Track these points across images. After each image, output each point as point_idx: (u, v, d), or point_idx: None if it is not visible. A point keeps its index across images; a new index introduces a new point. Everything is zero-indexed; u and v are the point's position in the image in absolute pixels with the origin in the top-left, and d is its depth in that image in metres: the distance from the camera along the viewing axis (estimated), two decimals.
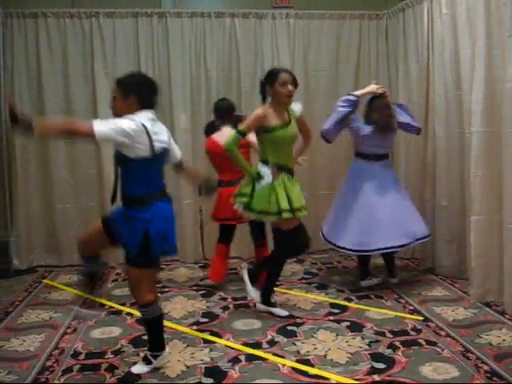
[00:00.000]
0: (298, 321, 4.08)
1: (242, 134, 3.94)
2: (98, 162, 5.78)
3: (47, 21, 5.64)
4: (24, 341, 3.79)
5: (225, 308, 4.43)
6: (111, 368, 3.35)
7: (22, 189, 5.69)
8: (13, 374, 3.28)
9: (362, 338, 3.71)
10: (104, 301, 4.61)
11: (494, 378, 3.08)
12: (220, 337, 3.81)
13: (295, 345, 3.64)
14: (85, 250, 3.33)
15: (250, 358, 3.45)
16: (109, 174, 5.68)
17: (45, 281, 5.31)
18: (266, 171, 3.95)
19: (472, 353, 3.42)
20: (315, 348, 3.58)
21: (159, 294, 4.77)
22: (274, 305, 4.27)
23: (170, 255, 3.32)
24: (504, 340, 3.60)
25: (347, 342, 3.67)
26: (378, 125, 4.66)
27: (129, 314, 4.32)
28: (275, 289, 4.45)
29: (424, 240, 4.73)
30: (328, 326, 3.96)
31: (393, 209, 4.60)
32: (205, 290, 4.89)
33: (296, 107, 4.13)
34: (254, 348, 3.59)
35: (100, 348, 3.65)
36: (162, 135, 3.12)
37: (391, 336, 3.74)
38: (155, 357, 3.28)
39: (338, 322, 4.05)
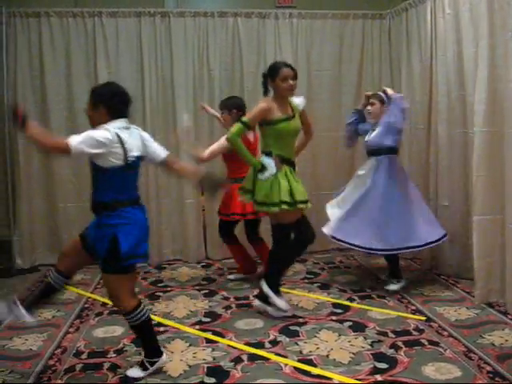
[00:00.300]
0: (301, 320, 4.07)
1: (247, 125, 3.98)
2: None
3: (50, 20, 5.65)
4: (26, 340, 3.80)
5: (227, 307, 4.43)
6: (114, 367, 3.35)
7: (25, 188, 5.70)
8: (15, 373, 3.29)
9: (365, 338, 3.71)
10: (106, 300, 4.62)
11: (497, 379, 3.07)
12: (222, 336, 3.81)
13: (298, 345, 3.64)
14: (60, 264, 3.31)
15: (253, 357, 3.45)
16: None
17: (47, 280, 5.29)
18: (269, 162, 3.97)
19: (474, 353, 3.42)
20: (318, 348, 3.58)
21: (161, 294, 4.79)
22: (280, 294, 4.24)
23: (140, 261, 3.23)
24: (506, 340, 3.59)
25: (350, 341, 3.67)
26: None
27: None
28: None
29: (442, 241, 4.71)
30: (330, 326, 3.96)
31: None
32: (207, 290, 4.89)
33: (299, 101, 4.16)
34: (256, 348, 3.59)
35: (102, 347, 3.66)
36: (135, 142, 3.13)
37: (394, 336, 3.74)
38: (152, 363, 3.22)
39: (341, 321, 4.05)
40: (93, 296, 4.78)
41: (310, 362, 3.36)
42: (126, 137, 3.05)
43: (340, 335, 3.78)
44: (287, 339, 3.73)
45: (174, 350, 3.59)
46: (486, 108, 4.20)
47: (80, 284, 5.15)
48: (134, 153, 3.08)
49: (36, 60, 5.67)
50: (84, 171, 5.74)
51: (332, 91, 6.07)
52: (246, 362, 3.38)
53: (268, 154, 4.02)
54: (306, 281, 5.13)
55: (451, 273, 5.02)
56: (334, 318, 4.14)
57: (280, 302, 4.14)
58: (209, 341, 3.74)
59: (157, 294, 4.83)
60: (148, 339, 3.25)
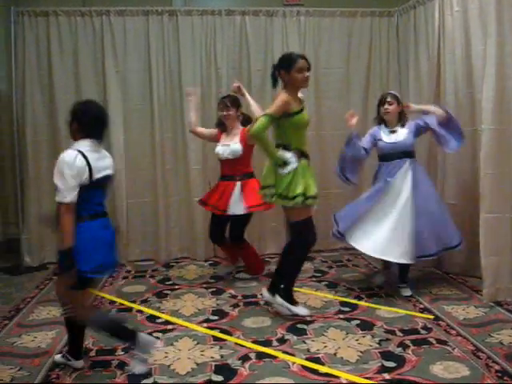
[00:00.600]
0: (308, 319, 4.07)
1: (272, 118, 3.83)
2: None
3: (58, 19, 5.67)
4: (35, 337, 3.82)
5: (235, 306, 4.43)
6: (122, 365, 3.36)
7: (34, 187, 5.72)
8: (24, 370, 3.31)
9: (372, 337, 3.70)
10: (114, 298, 4.64)
11: (505, 378, 3.06)
12: (230, 334, 3.81)
13: (305, 343, 3.64)
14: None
15: (260, 355, 3.45)
16: (119, 171, 5.72)
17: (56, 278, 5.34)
18: (290, 156, 3.90)
19: (483, 352, 3.41)
20: (325, 346, 3.58)
21: (169, 292, 4.80)
22: (295, 302, 4.18)
23: (97, 275, 3.25)
24: None
25: (357, 340, 3.66)
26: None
27: (139, 311, 4.33)
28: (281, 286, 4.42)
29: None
30: (338, 325, 3.95)
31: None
32: (215, 288, 4.90)
33: (301, 94, 4.14)
34: (263, 346, 3.59)
35: (110, 345, 3.66)
36: (103, 162, 3.20)
37: (401, 335, 3.73)
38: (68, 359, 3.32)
39: (348, 320, 4.04)
40: (101, 294, 4.80)
41: (317, 361, 3.36)
42: (94, 158, 3.11)
43: (348, 333, 3.78)
44: (295, 337, 3.73)
45: (181, 348, 3.59)
46: (493, 106, 4.19)
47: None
48: (102, 172, 3.16)
49: (44, 59, 5.69)
50: None
51: (340, 89, 6.06)
52: (253, 360, 3.39)
53: (286, 147, 3.93)
54: (314, 279, 5.13)
55: (459, 271, 5.01)
56: (341, 316, 4.14)
57: (299, 310, 4.10)
58: (216, 339, 3.74)
59: (164, 292, 4.84)
60: (119, 332, 3.28)
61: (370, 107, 6.03)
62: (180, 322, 4.07)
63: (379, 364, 3.29)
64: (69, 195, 3.02)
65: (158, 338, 3.76)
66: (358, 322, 4.00)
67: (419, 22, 5.52)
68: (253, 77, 5.88)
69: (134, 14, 5.76)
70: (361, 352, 3.47)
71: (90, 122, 3.17)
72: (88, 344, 3.68)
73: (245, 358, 3.41)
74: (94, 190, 3.14)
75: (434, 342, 3.59)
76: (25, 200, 5.71)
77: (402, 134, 4.55)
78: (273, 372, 3.22)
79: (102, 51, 5.71)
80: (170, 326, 3.99)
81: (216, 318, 4.17)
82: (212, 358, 3.44)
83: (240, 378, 3.17)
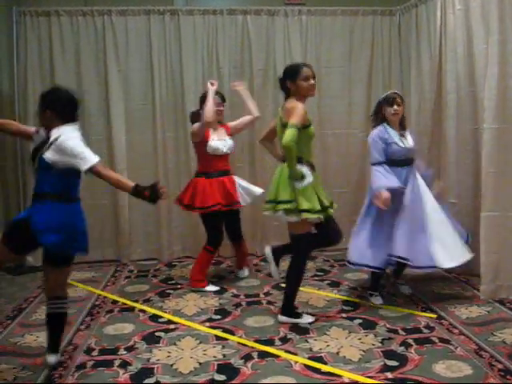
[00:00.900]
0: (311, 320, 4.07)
1: (298, 129, 3.70)
2: (110, 159, 5.80)
3: (60, 19, 5.67)
4: (38, 337, 3.82)
5: (237, 305, 4.43)
6: (124, 364, 3.36)
7: None
8: (27, 370, 3.31)
9: (375, 336, 3.70)
10: (117, 297, 4.65)
11: (508, 377, 3.06)
12: (232, 334, 3.82)
13: (308, 342, 3.64)
14: None
15: (263, 355, 3.45)
16: (122, 171, 5.73)
17: None
18: (306, 170, 3.82)
19: (485, 351, 3.40)
20: (328, 345, 3.58)
21: (172, 291, 4.81)
22: (299, 315, 4.09)
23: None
24: None
25: (360, 339, 3.66)
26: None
27: (141, 310, 4.34)
28: (283, 285, 4.40)
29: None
30: (340, 324, 3.95)
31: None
32: (217, 287, 4.89)
33: None
34: (266, 345, 3.59)
35: (113, 344, 3.67)
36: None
37: (404, 334, 3.73)
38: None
39: (351, 319, 4.04)
40: (103, 293, 4.80)
41: (320, 360, 3.36)
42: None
43: (350, 333, 3.78)
44: (297, 336, 3.73)
45: (184, 347, 3.60)
46: (496, 105, 4.19)
47: (90, 281, 5.18)
48: None
49: (46, 59, 5.70)
50: None
51: (342, 88, 6.06)
52: (256, 360, 3.39)
53: (298, 160, 3.78)
54: (316, 278, 5.13)
55: (461, 270, 4.98)
56: (344, 315, 4.14)
57: (304, 321, 4.02)
58: (219, 338, 3.75)
59: (167, 291, 4.85)
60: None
61: (372, 106, 6.01)
62: (182, 321, 4.08)
63: (382, 363, 3.29)
64: (93, 156, 3.16)
65: (160, 337, 3.77)
66: (361, 320, 4.00)
67: (421, 20, 5.51)
68: (255, 76, 5.88)
69: (136, 14, 5.76)
70: (363, 351, 3.47)
71: (64, 107, 3.22)
72: (91, 343, 3.69)
73: (247, 358, 3.42)
74: (79, 173, 3.25)
75: (437, 340, 3.59)
76: (27, 200, 5.70)
77: (410, 139, 4.38)
78: (275, 371, 3.22)
79: (104, 51, 5.72)
80: (172, 326, 4.00)
81: (218, 317, 4.17)
82: (214, 357, 3.44)
83: (242, 377, 3.17)
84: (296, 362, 3.33)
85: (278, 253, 4.21)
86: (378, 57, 6.08)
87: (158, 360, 3.41)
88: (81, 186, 3.42)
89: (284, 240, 5.59)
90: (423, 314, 4.10)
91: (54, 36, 5.67)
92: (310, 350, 3.52)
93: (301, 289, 4.62)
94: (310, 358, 3.38)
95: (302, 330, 3.84)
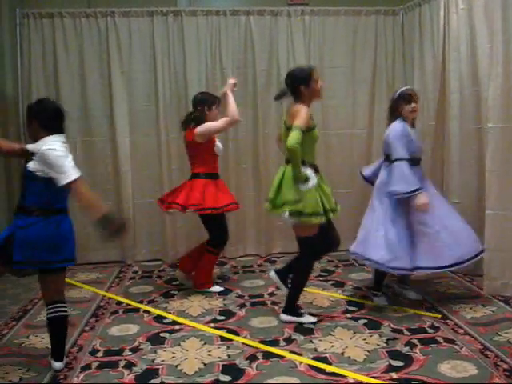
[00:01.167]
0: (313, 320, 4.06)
1: (302, 132, 3.71)
2: (114, 160, 5.82)
3: (63, 21, 5.68)
4: (43, 338, 3.82)
5: (242, 306, 4.43)
6: (129, 365, 3.37)
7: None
8: (32, 371, 3.32)
9: (380, 336, 3.70)
10: (121, 298, 4.66)
11: None
12: (237, 334, 3.82)
13: (312, 342, 3.64)
14: None
15: (267, 355, 3.45)
16: (125, 172, 5.74)
17: None
18: (310, 172, 3.82)
19: (491, 351, 3.40)
20: (332, 346, 3.57)
21: (176, 292, 4.81)
22: (301, 314, 4.10)
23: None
24: None
25: (364, 339, 3.66)
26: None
27: (146, 311, 4.34)
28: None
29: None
30: (345, 324, 3.95)
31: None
32: (222, 288, 4.89)
33: None
34: (271, 346, 3.59)
35: (118, 345, 3.68)
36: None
37: (409, 334, 3.72)
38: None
39: (356, 319, 4.04)
40: (108, 294, 4.81)
41: (324, 360, 3.36)
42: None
43: (355, 333, 3.78)
44: (302, 337, 3.73)
45: (188, 348, 3.60)
46: (501, 104, 4.18)
47: (95, 283, 5.19)
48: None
49: (50, 60, 5.71)
50: (99, 171, 5.84)
51: (346, 88, 6.05)
52: (260, 360, 3.39)
53: (302, 162, 3.78)
54: (321, 278, 5.13)
55: (466, 270, 4.98)
56: (348, 315, 4.13)
57: (307, 320, 4.02)
58: (223, 339, 3.75)
59: (172, 292, 4.85)
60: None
61: (375, 106, 6.03)
62: (187, 322, 4.08)
63: (387, 363, 3.28)
64: (74, 170, 3.13)
65: (165, 338, 3.78)
66: (365, 321, 4.00)
67: (424, 20, 5.50)
68: (258, 76, 5.87)
69: (139, 15, 5.77)
70: (368, 351, 3.46)
71: (50, 118, 3.25)
72: (96, 344, 3.69)
73: (252, 358, 3.42)
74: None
75: (442, 340, 3.59)
76: None
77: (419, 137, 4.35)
78: (280, 372, 3.22)
79: (107, 52, 5.72)
80: (177, 327, 4.00)
81: (223, 318, 4.17)
82: (219, 357, 3.44)
83: (247, 377, 3.17)
84: (301, 363, 3.33)
85: (282, 273, 4.20)
86: (382, 56, 6.07)
87: (163, 361, 3.41)
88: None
89: (287, 240, 5.63)
90: (428, 314, 4.09)
91: (57, 38, 5.68)
92: (315, 350, 3.52)
93: (305, 289, 4.62)
94: (314, 359, 3.38)
95: (307, 331, 3.84)
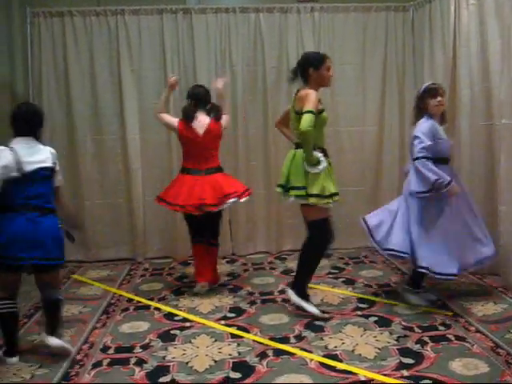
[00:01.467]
0: (326, 316, 4.06)
1: (314, 115, 3.79)
2: (124, 158, 5.83)
3: (73, 19, 5.70)
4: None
5: (252, 303, 4.43)
6: (140, 362, 3.38)
7: None
8: (44, 368, 3.34)
9: (390, 333, 3.69)
10: (132, 296, 4.67)
11: None
12: (247, 331, 3.82)
13: (323, 340, 3.63)
14: None
15: (278, 352, 3.45)
16: (136, 170, 5.75)
17: (74, 276, 5.39)
18: (320, 156, 3.88)
19: (502, 348, 3.38)
20: (343, 343, 3.57)
21: (187, 289, 4.82)
22: (308, 298, 4.13)
23: (11, 264, 3.38)
24: None
25: (375, 337, 3.65)
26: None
27: (157, 308, 4.35)
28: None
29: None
30: (356, 321, 3.94)
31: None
32: (232, 285, 4.90)
33: None
34: (281, 343, 3.59)
35: (129, 342, 3.69)
36: (34, 157, 3.41)
37: (420, 331, 3.71)
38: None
39: (366, 316, 4.03)
40: (119, 292, 4.83)
41: (335, 357, 3.35)
42: (25, 153, 3.36)
43: (365, 330, 3.77)
44: (312, 334, 3.73)
45: (199, 345, 3.61)
46: None
47: (106, 280, 5.21)
48: (34, 166, 3.37)
49: (60, 59, 5.74)
50: (109, 169, 5.87)
51: (356, 85, 6.02)
52: (271, 357, 3.39)
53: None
54: (331, 276, 5.12)
55: (477, 268, 4.96)
56: (359, 313, 4.12)
57: (312, 309, 4.05)
58: (234, 336, 3.75)
59: (182, 289, 4.86)
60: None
61: (386, 102, 6.01)
62: (198, 319, 4.09)
63: (397, 361, 3.27)
64: None
65: (175, 335, 3.79)
66: (376, 318, 3.99)
67: (434, 16, 5.46)
68: (268, 74, 5.87)
69: (149, 13, 5.78)
70: (379, 349, 3.45)
71: (16, 122, 3.47)
72: (107, 341, 3.71)
73: (262, 355, 3.42)
74: (25, 182, 3.34)
75: (453, 338, 3.57)
76: None
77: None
78: (290, 369, 3.22)
79: (117, 50, 5.74)
80: (187, 324, 4.01)
81: (233, 315, 4.18)
82: (230, 355, 3.44)
83: (258, 374, 3.17)
84: (311, 360, 3.33)
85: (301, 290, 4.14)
86: (392, 53, 6.04)
87: (174, 358, 3.42)
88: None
89: (297, 238, 5.60)
90: (439, 311, 4.07)
91: (67, 36, 5.70)
92: (326, 347, 3.51)
93: (316, 286, 4.65)
94: (325, 356, 3.38)
95: (317, 328, 3.83)
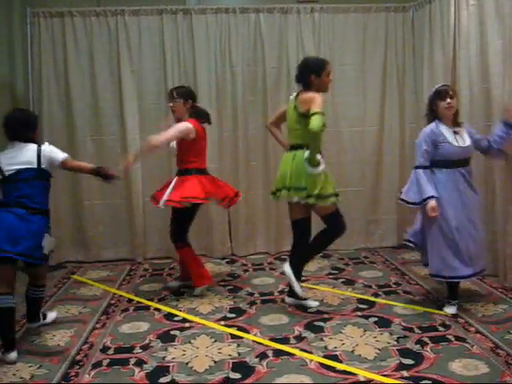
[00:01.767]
0: (326, 316, 4.07)
1: (323, 115, 3.87)
2: (124, 158, 5.81)
3: (73, 20, 5.70)
4: (54, 335, 3.85)
5: (252, 303, 4.43)
6: (140, 363, 3.38)
7: (51, 186, 5.74)
8: (44, 368, 3.34)
9: (390, 334, 3.69)
10: (132, 296, 4.67)
11: None
12: (247, 332, 3.82)
13: (323, 340, 3.63)
14: None
15: (278, 353, 3.45)
16: (136, 170, 5.75)
17: (74, 276, 5.38)
18: (320, 158, 3.95)
19: (502, 349, 3.38)
20: (343, 344, 3.57)
21: (186, 290, 4.81)
22: (300, 278, 4.26)
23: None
24: None
25: (375, 337, 3.65)
26: None
27: (157, 309, 4.35)
28: (302, 284, 4.41)
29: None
30: (356, 322, 3.94)
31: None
32: (232, 286, 4.90)
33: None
34: (281, 343, 3.59)
35: (128, 343, 3.69)
36: (15, 159, 3.59)
37: (420, 332, 3.71)
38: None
39: (366, 317, 4.03)
40: (119, 292, 4.83)
41: (335, 358, 3.35)
42: (8, 156, 3.60)
43: (365, 331, 3.77)
44: (312, 335, 3.73)
45: (199, 345, 3.61)
46: None
47: (106, 280, 5.21)
48: (13, 167, 3.57)
49: (60, 59, 5.74)
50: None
51: (356, 86, 6.02)
52: (271, 358, 3.39)
53: (308, 147, 3.94)
54: (331, 276, 5.12)
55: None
56: (359, 313, 4.12)
57: (298, 289, 4.14)
58: (234, 336, 3.75)
59: (182, 290, 4.85)
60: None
61: (386, 103, 6.01)
62: (197, 319, 4.09)
63: (397, 361, 3.27)
64: None
65: (175, 335, 3.79)
66: (376, 319, 3.99)
67: (434, 16, 5.47)
68: (268, 74, 5.86)
69: (149, 14, 5.78)
70: (378, 349, 3.45)
71: (4, 128, 3.68)
72: (106, 342, 3.71)
73: (262, 356, 3.42)
74: (10, 184, 3.57)
75: (453, 339, 3.57)
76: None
77: (466, 137, 4.04)
78: (290, 369, 3.22)
79: (117, 51, 5.74)
80: (187, 324, 4.01)
81: (233, 315, 4.18)
82: (229, 355, 3.44)
83: (257, 375, 3.17)
84: (311, 361, 3.33)
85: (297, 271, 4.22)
86: (392, 54, 6.03)
87: (174, 358, 3.42)
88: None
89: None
90: (439, 312, 4.07)
91: (67, 37, 5.70)
92: (325, 348, 3.51)
93: (316, 287, 4.65)
94: (325, 357, 3.37)
95: (317, 329, 3.83)
